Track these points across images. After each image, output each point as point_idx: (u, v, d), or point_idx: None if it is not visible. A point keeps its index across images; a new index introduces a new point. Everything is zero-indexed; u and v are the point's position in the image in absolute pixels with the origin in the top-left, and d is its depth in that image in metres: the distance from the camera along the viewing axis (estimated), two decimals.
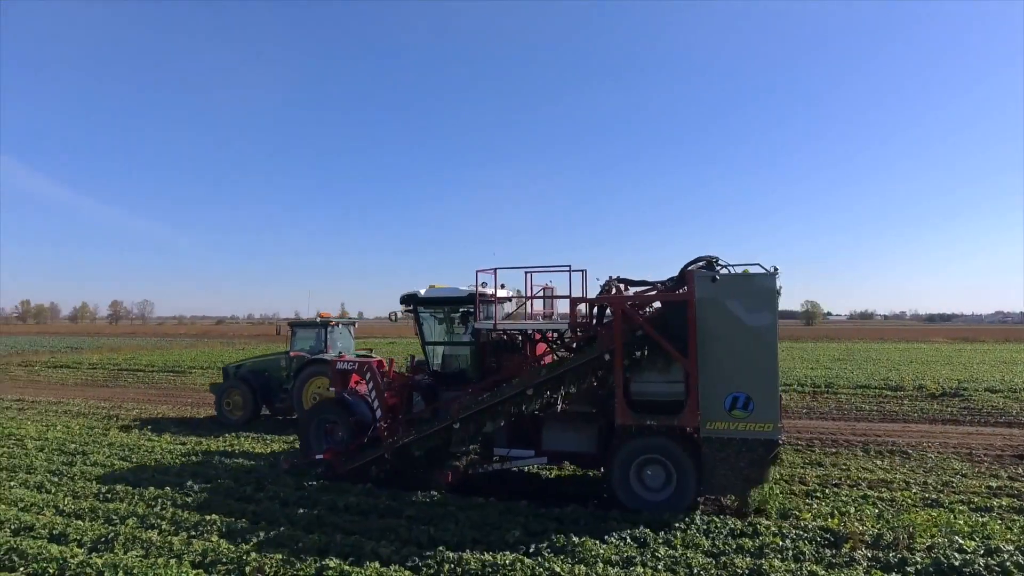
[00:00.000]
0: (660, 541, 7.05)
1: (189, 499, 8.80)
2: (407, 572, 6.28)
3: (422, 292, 10.89)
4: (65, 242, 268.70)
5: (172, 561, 6.56)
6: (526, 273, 9.83)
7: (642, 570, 6.28)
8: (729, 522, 7.59)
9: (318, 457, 10.21)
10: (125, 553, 6.84)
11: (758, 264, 8.29)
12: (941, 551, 6.56)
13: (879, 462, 11.33)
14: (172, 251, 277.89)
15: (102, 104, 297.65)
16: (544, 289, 11.03)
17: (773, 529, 7.35)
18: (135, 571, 6.24)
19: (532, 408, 8.77)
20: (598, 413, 9.39)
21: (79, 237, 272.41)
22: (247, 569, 6.39)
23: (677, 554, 6.64)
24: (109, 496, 8.96)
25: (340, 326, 17.29)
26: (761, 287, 8.01)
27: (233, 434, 14.18)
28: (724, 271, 8.32)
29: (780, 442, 8.00)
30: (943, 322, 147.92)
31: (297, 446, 11.74)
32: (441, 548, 6.82)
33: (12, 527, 7.66)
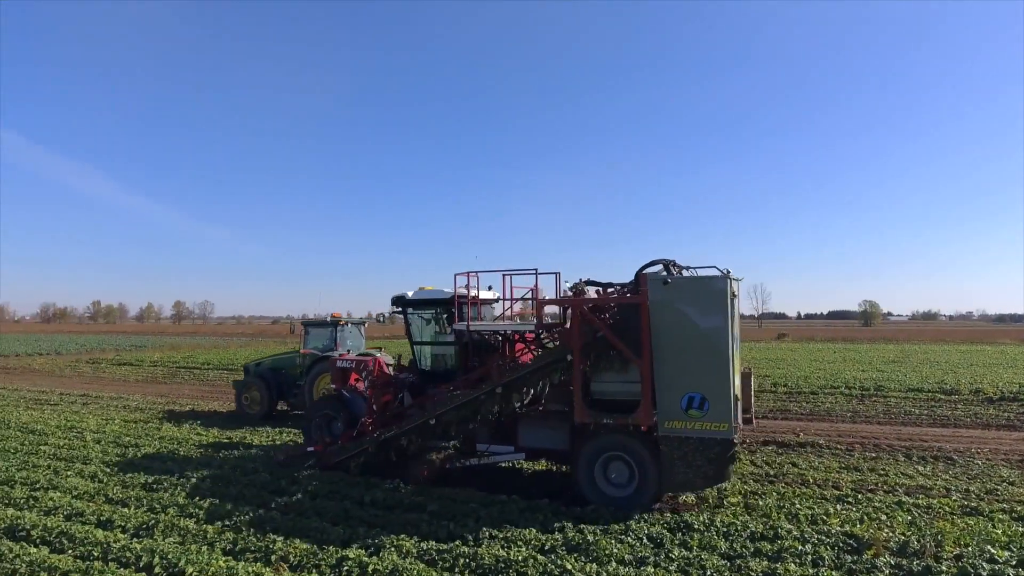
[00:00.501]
0: (676, 542, 7.04)
1: (227, 490, 9.23)
2: (421, 565, 6.47)
3: (410, 294, 11.30)
4: (134, 245, 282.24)
5: (204, 548, 6.94)
6: (503, 276, 10.05)
7: (653, 570, 6.30)
8: (751, 525, 7.51)
9: (309, 449, 10.80)
10: (164, 539, 7.28)
11: (714, 267, 8.47)
12: (969, 560, 6.34)
13: (921, 468, 10.93)
14: (232, 253, 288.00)
15: (166, 109, 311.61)
16: (531, 291, 11.15)
17: (795, 533, 7.23)
18: (170, 556, 6.62)
19: (505, 406, 9.17)
20: (570, 411, 9.46)
21: (147, 241, 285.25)
22: (272, 558, 6.70)
23: (692, 555, 6.62)
24: (154, 486, 9.49)
25: (350, 325, 17.99)
26: (712, 290, 8.10)
27: (276, 429, 14.74)
28: (689, 273, 8.59)
29: (735, 441, 8.14)
30: (1013, 323, 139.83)
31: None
32: (457, 543, 7.00)
33: (65, 513, 8.23)
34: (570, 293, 9.30)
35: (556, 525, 7.63)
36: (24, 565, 6.47)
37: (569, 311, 9.34)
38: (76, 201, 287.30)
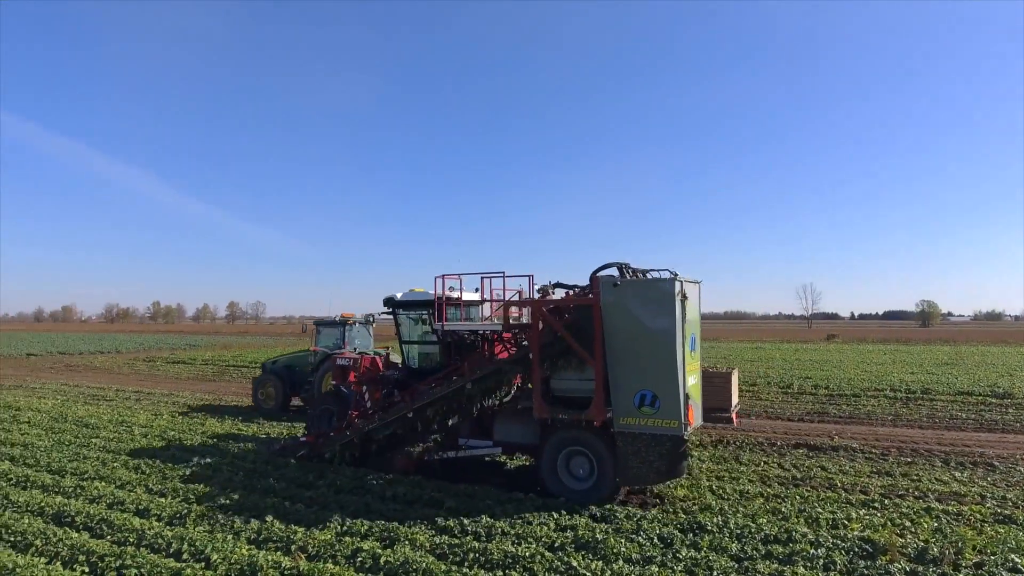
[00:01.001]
0: (687, 543, 7.05)
1: (258, 483, 9.64)
2: (431, 558, 6.66)
3: (399, 295, 11.79)
4: (192, 249, 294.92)
5: (230, 537, 7.31)
6: (482, 279, 10.41)
7: (658, 570, 6.32)
8: (766, 527, 7.44)
9: (302, 440, 11.50)
10: (194, 528, 7.69)
11: (667, 270, 8.90)
12: (989, 569, 6.17)
13: (958, 474, 10.55)
14: (283, 255, 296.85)
15: (222, 116, 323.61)
16: (517, 293, 11.48)
17: (810, 537, 7.12)
18: (198, 543, 7.00)
19: (478, 401, 9.85)
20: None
21: (204, 244, 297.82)
22: (292, 547, 7.01)
23: (700, 556, 6.62)
24: (191, 478, 9.97)
25: (358, 325, 18.60)
26: (661, 292, 8.42)
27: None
28: (655, 275, 8.93)
29: (685, 438, 8.40)
30: None
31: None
32: (468, 538, 7.18)
33: (107, 501, 8.76)
34: (539, 295, 9.70)
35: (568, 523, 7.73)
36: (66, 548, 6.94)
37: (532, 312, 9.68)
38: (139, 207, 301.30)
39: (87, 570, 6.49)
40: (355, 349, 17.30)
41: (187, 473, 10.25)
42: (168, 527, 7.70)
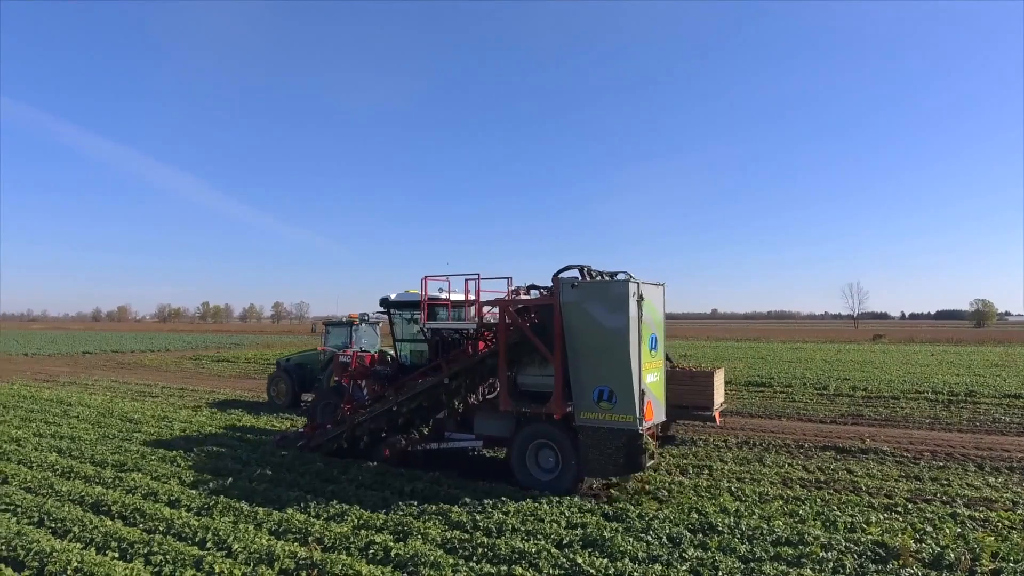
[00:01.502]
0: (696, 543, 7.04)
1: (283, 476, 10.00)
2: (441, 552, 6.83)
3: (393, 296, 12.33)
4: (240, 251, 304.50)
5: (252, 528, 7.63)
6: (466, 280, 10.74)
7: (663, 569, 6.36)
8: (778, 529, 7.38)
9: (300, 431, 12.38)
10: (220, 518, 8.04)
11: (624, 272, 9.40)
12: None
13: (992, 479, 10.20)
14: (326, 256, 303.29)
15: (267, 124, 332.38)
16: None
17: (822, 540, 7.04)
18: (221, 533, 7.34)
19: (458, 395, 10.46)
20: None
21: (252, 246, 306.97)
22: (309, 539, 7.28)
23: (706, 556, 6.62)
24: (221, 470, 10.38)
25: (365, 325, 19.20)
26: (616, 293, 8.80)
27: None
28: (628, 278, 9.18)
29: (641, 432, 8.74)
30: None
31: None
32: (479, 533, 7.33)
33: (143, 492, 9.22)
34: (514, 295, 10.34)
35: (579, 521, 7.81)
36: (100, 535, 7.36)
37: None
38: (190, 211, 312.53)
39: (117, 555, 6.88)
40: (361, 348, 17.79)
41: (219, 466, 10.68)
42: (196, 517, 8.08)
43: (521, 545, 6.89)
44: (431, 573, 6.35)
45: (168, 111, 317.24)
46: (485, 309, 10.73)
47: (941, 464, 11.24)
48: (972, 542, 7.03)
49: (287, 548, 6.91)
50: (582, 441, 9.05)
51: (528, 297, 10.17)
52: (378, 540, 7.09)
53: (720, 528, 7.46)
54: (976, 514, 8.25)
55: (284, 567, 6.54)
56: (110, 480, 9.83)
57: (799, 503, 8.79)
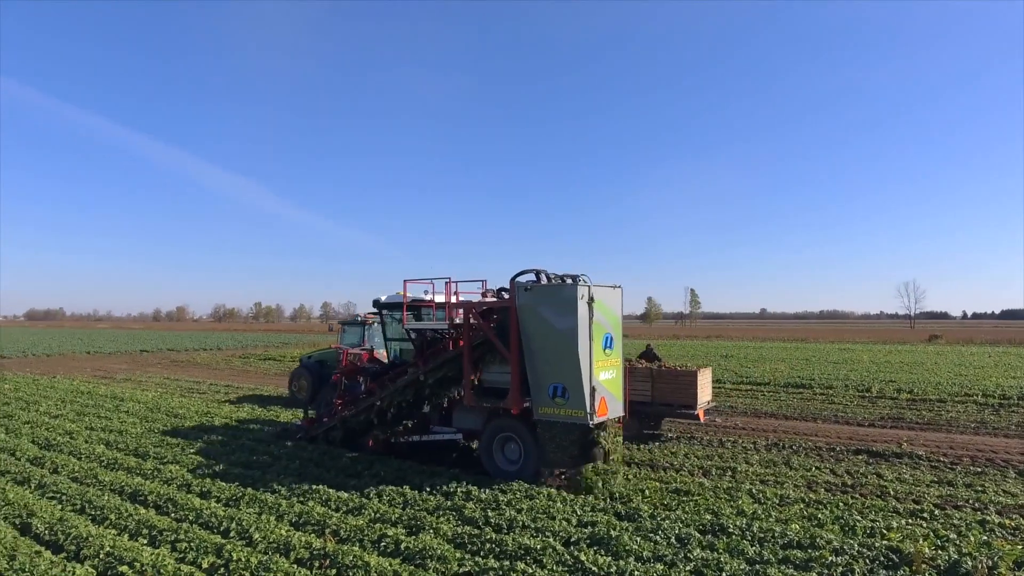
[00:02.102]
0: (704, 544, 7.01)
1: (310, 471, 10.37)
2: (449, 546, 7.00)
3: (383, 298, 12.94)
4: (293, 251, 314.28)
5: (274, 519, 7.97)
6: (446, 283, 11.12)
7: (665, 568, 6.37)
8: (790, 532, 7.28)
9: (299, 423, 13.34)
10: (246, 509, 8.42)
11: (583, 276, 9.90)
12: None
13: None
14: (373, 256, 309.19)
15: (315, 127, 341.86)
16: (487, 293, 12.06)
17: (835, 544, 6.92)
18: (244, 523, 7.69)
19: (438, 391, 11.16)
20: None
21: (302, 248, 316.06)
22: (326, 531, 7.56)
23: (712, 558, 6.59)
24: (254, 464, 10.84)
25: (376, 324, 19.51)
26: (565, 296, 9.29)
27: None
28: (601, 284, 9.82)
29: (591, 426, 9.35)
30: None
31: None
32: (488, 529, 7.48)
33: (177, 484, 9.72)
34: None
35: (590, 519, 7.86)
36: (133, 522, 7.83)
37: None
38: (245, 214, 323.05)
39: (146, 542, 7.31)
40: (372, 347, 18.34)
41: (251, 460, 11.14)
42: (224, 507, 8.48)
43: (528, 542, 7.00)
44: (437, 566, 6.53)
45: (219, 111, 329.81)
46: (458, 311, 11.20)
47: (979, 470, 10.82)
48: (996, 550, 6.80)
49: (304, 539, 7.19)
50: (540, 434, 9.70)
51: (491, 300, 10.73)
52: (390, 533, 7.31)
53: (731, 530, 7.40)
54: (1007, 522, 7.95)
55: (299, 557, 6.82)
56: (149, 471, 10.39)
57: (819, 507, 8.63)
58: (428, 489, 9.40)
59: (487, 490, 9.19)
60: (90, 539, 7.16)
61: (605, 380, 9.69)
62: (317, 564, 6.65)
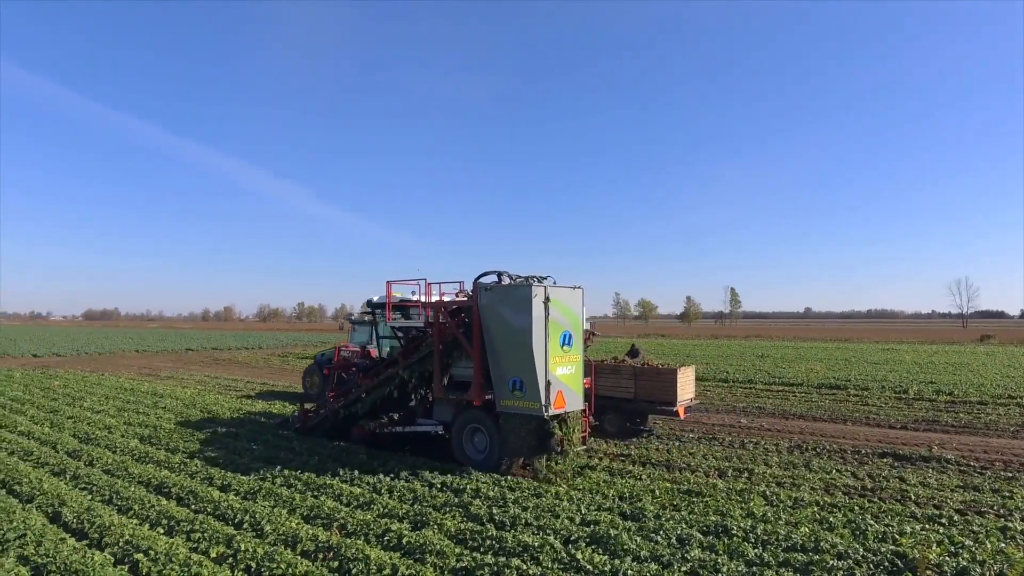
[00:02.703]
0: (704, 545, 6.97)
1: (327, 467, 10.64)
2: (449, 542, 7.13)
3: (375, 298, 13.52)
4: (336, 251, 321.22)
5: (286, 512, 8.23)
6: (427, 284, 11.77)
7: (660, 569, 6.36)
8: (794, 535, 7.17)
9: (296, 415, 14.20)
10: (261, 502, 8.72)
11: (549, 277, 10.47)
12: None
13: None
14: (410, 255, 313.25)
15: (359, 131, 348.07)
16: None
17: (839, 548, 6.79)
18: (258, 516, 7.98)
19: (418, 385, 11.72)
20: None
21: (344, 248, 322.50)
22: (334, 524, 7.78)
23: (710, 559, 6.55)
24: (274, 459, 11.18)
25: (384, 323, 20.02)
26: (521, 296, 9.85)
27: None
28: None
29: (547, 418, 9.90)
30: None
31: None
32: (490, 525, 7.58)
33: (201, 477, 10.11)
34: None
35: (593, 518, 7.88)
36: (155, 513, 8.19)
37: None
38: (291, 216, 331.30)
39: (163, 531, 7.64)
40: (365, 344, 18.86)
41: (273, 455, 11.50)
42: (241, 500, 8.79)
43: (528, 539, 7.06)
44: (435, 561, 6.66)
45: (259, 114, 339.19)
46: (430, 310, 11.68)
47: (1010, 475, 10.42)
48: (1008, 557, 6.57)
49: (311, 532, 7.41)
50: (502, 425, 10.29)
51: (460, 300, 11.26)
52: (395, 528, 7.48)
53: (735, 531, 7.33)
54: None
55: (304, 548, 7.04)
56: (177, 465, 10.83)
57: (833, 510, 8.45)
58: (439, 486, 9.56)
59: (496, 487, 9.30)
60: (112, 528, 7.52)
61: (562, 375, 10.23)
62: (320, 556, 6.86)
